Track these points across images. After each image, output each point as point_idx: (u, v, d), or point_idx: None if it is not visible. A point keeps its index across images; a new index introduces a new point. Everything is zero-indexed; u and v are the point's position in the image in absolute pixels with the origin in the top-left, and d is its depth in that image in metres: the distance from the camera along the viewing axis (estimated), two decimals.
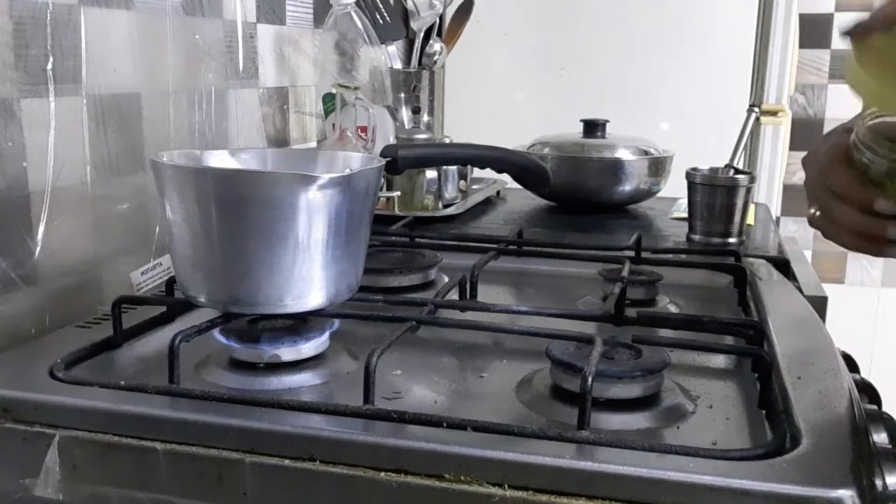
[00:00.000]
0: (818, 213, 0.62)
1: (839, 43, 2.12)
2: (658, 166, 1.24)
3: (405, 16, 1.40)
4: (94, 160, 0.79)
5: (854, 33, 0.54)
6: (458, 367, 0.65)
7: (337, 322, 0.65)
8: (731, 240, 1.03)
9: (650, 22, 1.65)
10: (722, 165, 1.06)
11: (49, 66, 0.72)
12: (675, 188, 1.22)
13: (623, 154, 1.22)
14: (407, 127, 1.33)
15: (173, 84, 0.90)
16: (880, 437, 0.52)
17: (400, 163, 0.85)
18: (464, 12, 1.46)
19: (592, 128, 1.28)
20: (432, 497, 0.46)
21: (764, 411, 0.56)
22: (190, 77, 0.94)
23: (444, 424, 0.49)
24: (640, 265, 0.86)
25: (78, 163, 0.77)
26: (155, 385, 0.55)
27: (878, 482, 0.47)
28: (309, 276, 0.60)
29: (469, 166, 1.24)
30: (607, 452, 0.46)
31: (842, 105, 2.03)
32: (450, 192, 1.20)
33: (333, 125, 1.13)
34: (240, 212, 0.58)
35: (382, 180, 0.98)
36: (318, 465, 0.48)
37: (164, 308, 0.71)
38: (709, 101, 1.58)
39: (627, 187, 1.23)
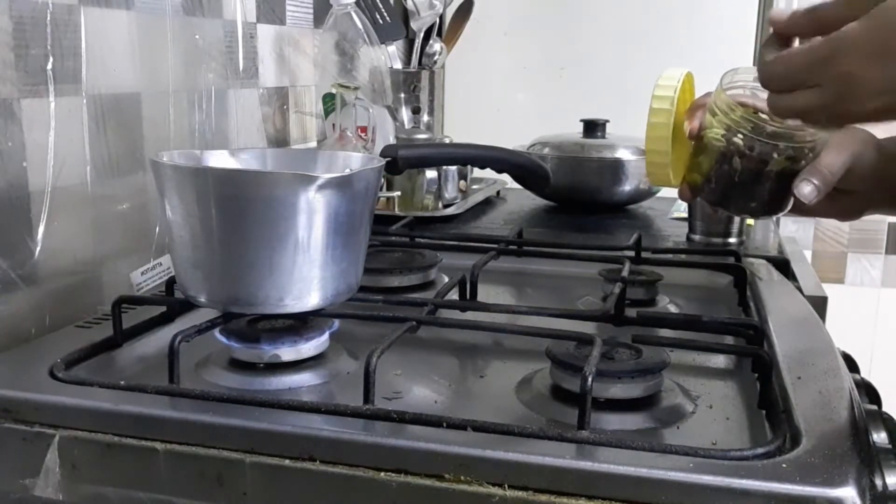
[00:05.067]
0: None
1: None
2: None
3: (405, 16, 1.40)
4: (94, 160, 0.79)
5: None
6: (458, 367, 0.65)
7: (337, 322, 0.65)
8: (731, 240, 1.03)
9: (650, 22, 1.65)
10: None
11: (49, 66, 0.72)
12: (675, 188, 1.22)
13: (623, 154, 1.22)
14: (407, 127, 1.33)
15: (173, 84, 0.90)
16: (880, 437, 0.52)
17: (400, 163, 0.85)
18: (464, 12, 1.46)
19: (592, 128, 1.28)
20: (432, 497, 0.46)
21: (764, 411, 0.56)
22: (190, 77, 0.94)
23: (444, 424, 0.49)
24: (640, 265, 0.86)
25: (78, 163, 0.77)
26: (155, 385, 0.55)
27: (878, 482, 0.47)
28: (309, 276, 0.60)
29: (469, 166, 1.24)
30: (607, 452, 0.46)
31: None
32: (450, 192, 1.20)
33: (333, 125, 1.13)
34: (240, 212, 0.58)
35: (382, 180, 0.99)
36: (318, 465, 0.48)
37: (164, 308, 0.71)
38: None
39: (627, 187, 1.23)
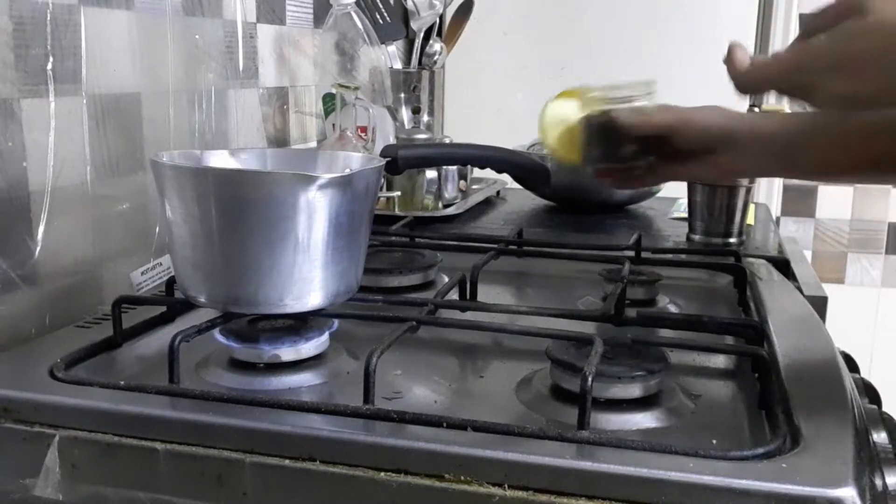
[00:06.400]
0: None
1: None
2: None
3: (405, 16, 1.40)
4: (94, 160, 0.79)
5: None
6: (458, 367, 0.65)
7: (336, 322, 0.65)
8: (731, 240, 1.03)
9: (649, 22, 1.65)
10: None
11: (49, 66, 0.72)
12: (675, 188, 1.22)
13: None
14: (407, 127, 1.33)
15: (173, 84, 0.90)
16: (880, 437, 0.52)
17: (400, 163, 0.85)
18: (464, 12, 1.46)
19: None
20: (432, 497, 0.46)
21: (764, 411, 0.56)
22: (190, 77, 0.94)
23: (444, 424, 0.49)
24: (640, 265, 0.86)
25: (78, 163, 0.77)
26: (155, 385, 0.55)
27: (878, 482, 0.47)
28: (309, 276, 0.60)
29: (469, 166, 1.24)
30: (607, 452, 0.46)
31: None
32: (450, 192, 1.20)
33: (333, 125, 1.13)
34: (240, 212, 0.58)
35: (382, 180, 0.99)
36: (318, 465, 0.48)
37: (164, 308, 0.71)
38: (709, 101, 1.58)
39: None
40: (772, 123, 0.76)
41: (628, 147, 0.79)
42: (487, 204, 1.32)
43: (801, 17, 0.63)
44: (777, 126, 0.75)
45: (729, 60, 0.61)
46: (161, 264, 0.84)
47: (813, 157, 0.74)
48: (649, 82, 0.85)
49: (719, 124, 0.76)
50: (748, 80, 0.59)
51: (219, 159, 0.69)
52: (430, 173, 1.16)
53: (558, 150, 0.84)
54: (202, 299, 0.62)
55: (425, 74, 1.35)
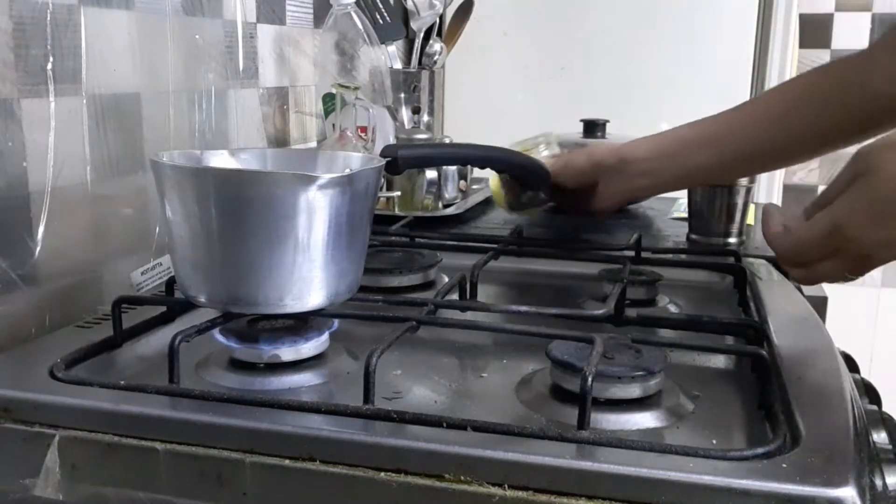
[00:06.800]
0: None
1: (839, 43, 2.12)
2: None
3: (405, 16, 1.40)
4: (94, 160, 0.79)
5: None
6: (458, 367, 0.65)
7: (337, 322, 0.65)
8: (731, 240, 1.03)
9: (650, 22, 1.65)
10: None
11: (49, 66, 0.72)
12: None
13: None
14: (407, 127, 1.33)
15: (173, 84, 0.90)
16: (880, 437, 0.52)
17: (400, 163, 0.85)
18: (464, 12, 1.46)
19: (592, 128, 1.28)
20: (432, 497, 0.46)
21: (764, 411, 0.56)
22: (190, 77, 0.94)
23: (444, 424, 0.49)
24: (640, 265, 0.86)
25: (78, 163, 0.77)
26: (155, 385, 0.55)
27: (878, 482, 0.47)
28: (309, 276, 0.60)
29: (469, 166, 1.24)
30: (607, 452, 0.46)
31: None
32: (450, 192, 1.20)
33: (333, 125, 1.13)
34: (240, 212, 0.58)
35: (382, 180, 0.99)
36: (318, 465, 0.48)
37: (164, 308, 0.71)
38: (709, 101, 1.58)
39: None
40: (636, 148, 0.86)
41: (528, 194, 0.98)
42: (487, 204, 1.32)
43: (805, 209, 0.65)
44: (642, 150, 0.85)
45: (765, 224, 0.63)
46: (161, 264, 0.84)
47: (670, 174, 0.86)
48: (547, 133, 1.07)
49: (590, 160, 0.87)
50: (789, 251, 0.61)
51: (219, 159, 0.69)
52: (430, 173, 1.16)
53: (496, 198, 1.06)
54: (202, 299, 0.62)
55: (425, 74, 1.35)
